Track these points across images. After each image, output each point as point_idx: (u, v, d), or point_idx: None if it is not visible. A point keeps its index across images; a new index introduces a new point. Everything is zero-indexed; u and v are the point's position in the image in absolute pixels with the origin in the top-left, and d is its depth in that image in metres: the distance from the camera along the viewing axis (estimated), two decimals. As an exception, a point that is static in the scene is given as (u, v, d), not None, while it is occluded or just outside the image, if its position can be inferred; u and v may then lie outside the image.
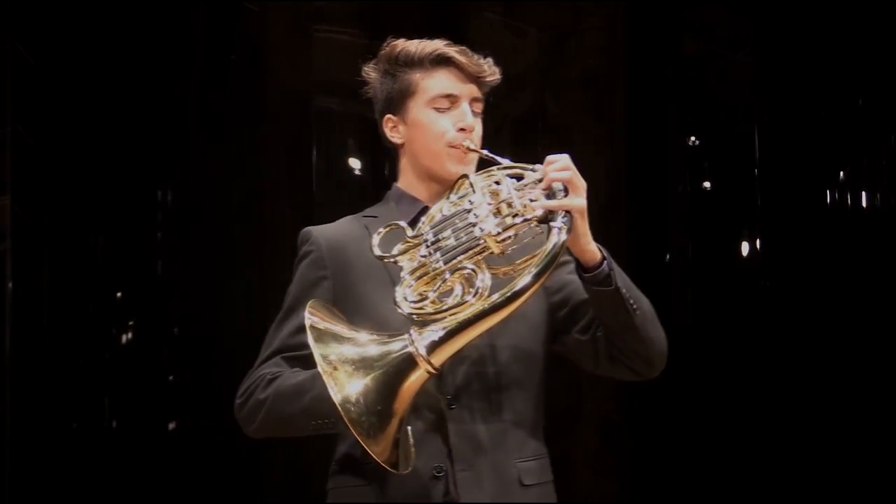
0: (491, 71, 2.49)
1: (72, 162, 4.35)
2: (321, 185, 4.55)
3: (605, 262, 2.29)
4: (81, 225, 4.36)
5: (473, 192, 2.26)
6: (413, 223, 2.34)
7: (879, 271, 4.47)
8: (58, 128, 4.35)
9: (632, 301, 2.30)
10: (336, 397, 2.12)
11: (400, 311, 2.22)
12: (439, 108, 2.46)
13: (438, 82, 2.46)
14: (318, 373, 2.17)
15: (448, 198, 2.32)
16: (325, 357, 2.15)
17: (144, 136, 4.40)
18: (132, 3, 4.37)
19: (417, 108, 2.47)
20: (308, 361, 2.27)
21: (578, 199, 2.24)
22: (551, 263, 2.19)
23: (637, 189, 4.76)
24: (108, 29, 4.37)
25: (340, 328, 2.23)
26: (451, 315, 2.18)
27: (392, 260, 2.28)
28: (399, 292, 2.23)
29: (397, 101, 2.49)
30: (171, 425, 4.36)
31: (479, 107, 2.49)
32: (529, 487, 2.39)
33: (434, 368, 2.18)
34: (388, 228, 2.31)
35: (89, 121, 4.36)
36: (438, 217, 2.29)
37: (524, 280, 2.17)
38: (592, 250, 2.29)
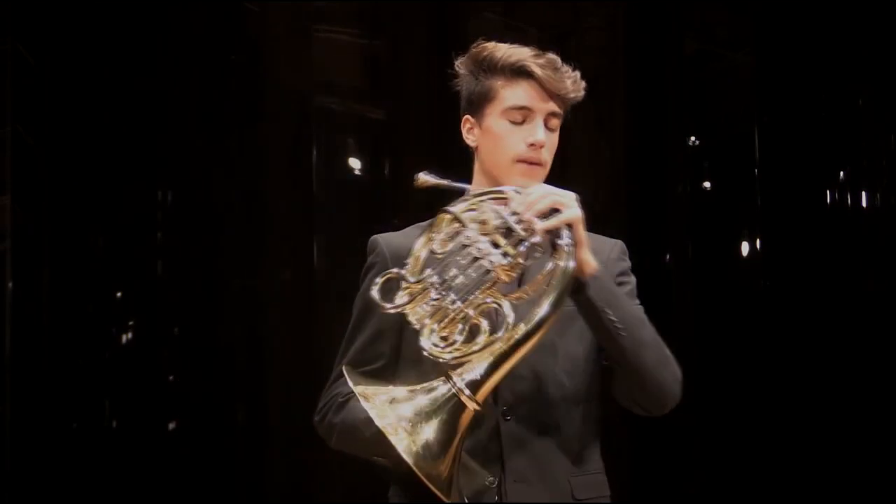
0: (574, 88, 2.45)
1: (72, 162, 4.35)
2: (321, 185, 4.55)
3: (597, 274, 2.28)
4: (81, 225, 4.36)
5: (465, 226, 2.26)
6: None
7: (879, 271, 4.47)
8: (58, 128, 4.34)
9: (616, 321, 2.28)
10: (409, 459, 2.11)
11: (434, 358, 2.19)
12: (513, 119, 2.43)
13: (516, 94, 2.43)
14: (371, 416, 2.17)
15: (430, 237, 2.29)
16: (383, 421, 2.14)
17: (144, 136, 4.40)
18: (132, 4, 4.37)
19: (493, 116, 2.45)
20: (379, 376, 2.33)
21: (573, 211, 2.24)
22: (571, 280, 2.20)
23: (637, 189, 4.76)
24: (108, 29, 4.37)
25: (377, 388, 2.23)
26: (487, 351, 2.17)
27: (400, 310, 2.24)
28: (425, 341, 2.20)
29: (476, 105, 2.47)
30: (171, 425, 4.36)
31: (555, 123, 2.46)
32: (581, 501, 2.40)
33: (479, 405, 2.17)
34: (384, 278, 2.27)
35: (89, 121, 4.36)
36: (424, 254, 2.28)
37: (545, 306, 2.18)
38: (588, 261, 2.28)
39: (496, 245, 2.22)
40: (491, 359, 2.16)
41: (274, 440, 4.40)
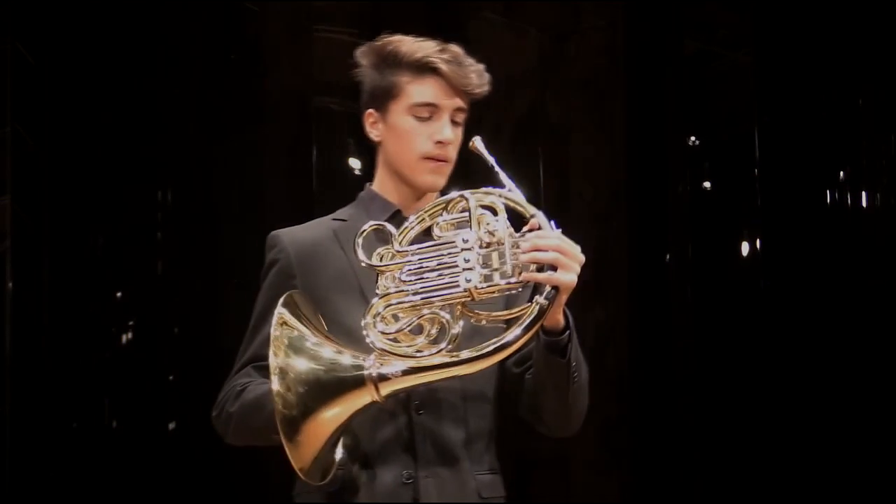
0: (479, 83, 2.43)
1: (72, 162, 4.35)
2: (321, 185, 4.56)
3: (568, 332, 2.25)
4: (81, 225, 4.36)
5: (469, 226, 2.20)
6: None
7: (879, 271, 4.47)
8: (58, 128, 4.34)
9: (575, 374, 2.27)
10: (275, 385, 2.12)
11: (368, 340, 2.18)
12: (419, 116, 2.41)
13: (422, 90, 2.41)
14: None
15: (438, 215, 2.25)
16: (279, 345, 2.15)
17: (144, 136, 4.40)
18: (132, 3, 4.37)
19: (398, 112, 2.43)
20: None
21: (569, 276, 2.17)
22: (527, 332, 2.17)
23: (637, 189, 4.76)
24: (108, 29, 4.37)
25: (308, 330, 2.22)
26: (417, 358, 2.17)
27: (375, 269, 2.22)
28: (369, 319, 2.18)
29: (380, 99, 2.45)
30: (171, 425, 4.36)
31: (461, 117, 2.44)
32: (486, 500, 2.40)
33: (380, 398, 2.18)
34: (371, 228, 2.25)
35: (89, 121, 4.36)
36: (414, 232, 2.24)
37: (496, 343, 2.16)
38: (559, 319, 2.24)
39: (485, 265, 2.17)
40: (416, 366, 2.16)
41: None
